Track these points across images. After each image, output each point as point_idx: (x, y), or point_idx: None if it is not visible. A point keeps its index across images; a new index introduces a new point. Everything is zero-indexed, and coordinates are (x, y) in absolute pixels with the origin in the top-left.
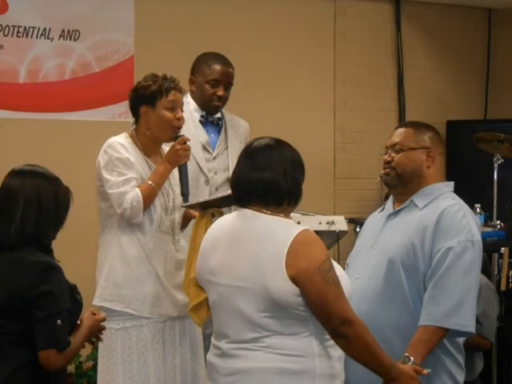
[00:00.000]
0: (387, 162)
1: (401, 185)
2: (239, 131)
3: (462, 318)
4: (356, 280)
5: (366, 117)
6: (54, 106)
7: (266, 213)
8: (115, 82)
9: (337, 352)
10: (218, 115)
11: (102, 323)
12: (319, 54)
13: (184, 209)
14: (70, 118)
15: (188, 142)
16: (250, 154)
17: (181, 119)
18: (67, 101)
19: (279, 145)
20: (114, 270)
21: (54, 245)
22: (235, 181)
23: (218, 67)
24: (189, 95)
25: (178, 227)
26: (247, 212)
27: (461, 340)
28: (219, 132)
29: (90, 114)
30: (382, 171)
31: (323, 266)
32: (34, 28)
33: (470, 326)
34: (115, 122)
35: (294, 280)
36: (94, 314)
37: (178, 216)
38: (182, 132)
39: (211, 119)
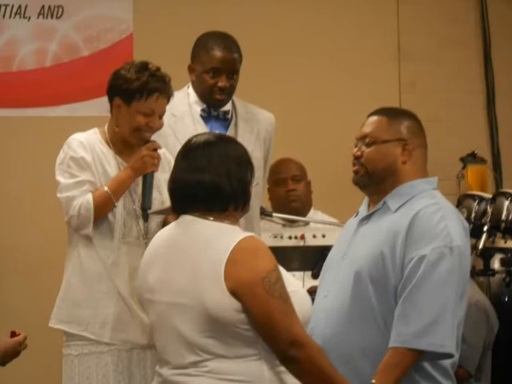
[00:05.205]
0: (356, 158)
1: (372, 184)
2: (257, 126)
3: (437, 338)
4: (324, 298)
5: (440, 101)
6: (33, 99)
7: (207, 219)
8: (109, 68)
9: (293, 379)
10: (227, 107)
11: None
12: (379, 22)
13: (161, 216)
14: (54, 114)
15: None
16: (187, 154)
17: (153, 128)
18: (49, 93)
19: (221, 141)
20: (71, 288)
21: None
22: (171, 185)
23: (217, 53)
24: (190, 85)
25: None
26: (186, 219)
27: (448, 363)
28: (227, 128)
29: (77, 108)
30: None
31: (268, 278)
32: (6, 6)
33: (449, 346)
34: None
35: (234, 293)
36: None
37: (153, 224)
38: (179, 129)
39: (215, 113)
